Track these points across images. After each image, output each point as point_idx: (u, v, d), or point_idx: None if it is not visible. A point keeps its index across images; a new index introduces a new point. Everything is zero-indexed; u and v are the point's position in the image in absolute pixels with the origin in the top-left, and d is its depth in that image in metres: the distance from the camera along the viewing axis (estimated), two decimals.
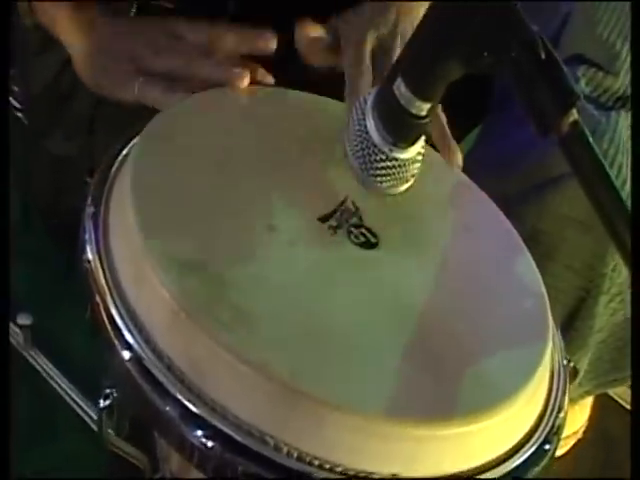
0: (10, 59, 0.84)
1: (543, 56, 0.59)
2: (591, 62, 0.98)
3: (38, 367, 1.17)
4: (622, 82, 1.00)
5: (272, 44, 0.82)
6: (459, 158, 0.79)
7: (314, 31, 0.83)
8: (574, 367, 0.78)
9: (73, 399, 1.15)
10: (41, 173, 1.03)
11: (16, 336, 1.16)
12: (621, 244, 0.59)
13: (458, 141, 0.80)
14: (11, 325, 1.13)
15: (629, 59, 0.98)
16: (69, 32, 0.84)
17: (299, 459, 0.61)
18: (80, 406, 1.14)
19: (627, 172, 0.93)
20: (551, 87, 0.59)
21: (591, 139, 0.60)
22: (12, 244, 0.74)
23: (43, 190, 1.04)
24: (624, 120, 0.97)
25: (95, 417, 1.09)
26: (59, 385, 1.16)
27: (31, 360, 1.17)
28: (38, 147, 0.99)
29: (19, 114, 1.00)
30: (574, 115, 0.59)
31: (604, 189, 0.60)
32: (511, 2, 0.59)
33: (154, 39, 0.83)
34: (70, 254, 0.71)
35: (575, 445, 1.19)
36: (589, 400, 1.19)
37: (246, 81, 0.79)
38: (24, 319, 1.15)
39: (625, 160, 0.94)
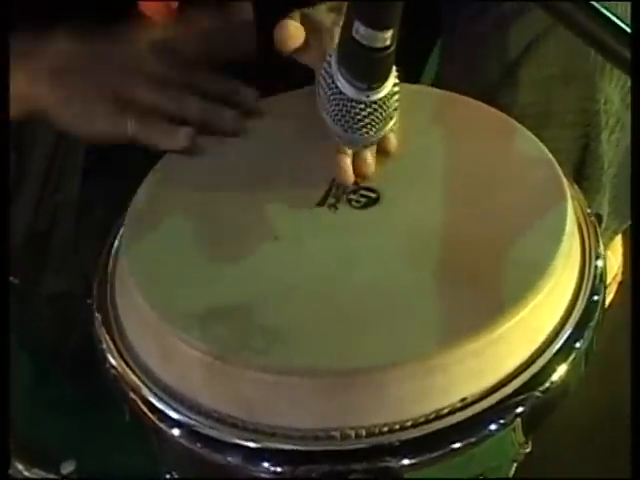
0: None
1: None
2: None
3: None
4: None
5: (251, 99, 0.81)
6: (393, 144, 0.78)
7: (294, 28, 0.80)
8: (597, 214, 0.79)
9: None
10: (41, 321, 1.00)
11: None
12: (618, 58, 0.57)
13: (421, 62, 0.80)
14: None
15: None
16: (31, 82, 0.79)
17: (369, 435, 0.62)
18: None
19: None
20: None
21: None
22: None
23: (49, 335, 1.01)
24: None
25: None
26: None
27: None
28: (32, 297, 0.97)
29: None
30: None
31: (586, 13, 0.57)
32: None
33: (134, 64, 0.81)
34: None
35: (619, 290, 1.18)
36: (618, 241, 1.19)
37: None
38: (67, 467, 1.09)
39: None
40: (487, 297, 0.65)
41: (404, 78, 0.70)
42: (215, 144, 0.79)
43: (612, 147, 0.97)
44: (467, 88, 0.90)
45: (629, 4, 0.95)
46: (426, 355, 0.62)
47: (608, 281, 1.15)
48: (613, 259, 1.19)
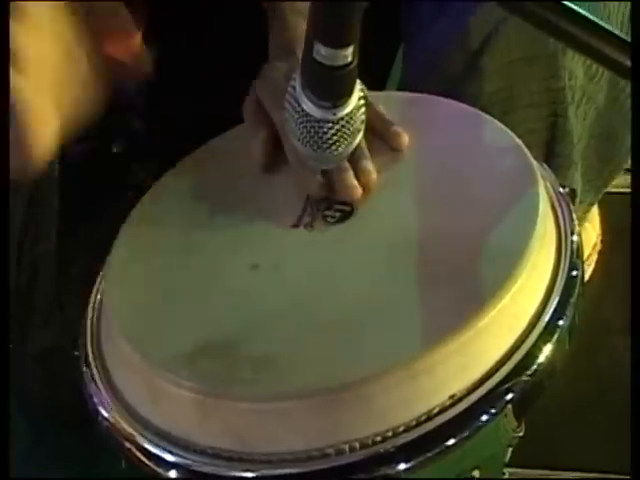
0: None
1: None
2: None
3: None
4: None
5: None
6: (405, 139, 0.79)
7: None
8: (571, 189, 0.80)
9: None
10: (33, 380, 1.00)
11: None
12: (584, 45, 0.58)
13: (385, 68, 0.81)
14: None
15: None
16: None
17: (363, 447, 0.63)
18: None
19: None
20: None
21: None
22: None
23: (41, 393, 1.01)
24: None
25: None
26: None
27: None
28: (21, 358, 0.97)
29: None
30: None
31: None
32: None
33: None
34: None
35: (599, 259, 1.21)
36: (595, 211, 1.21)
37: None
38: None
39: None
40: (466, 293, 0.66)
41: (370, 86, 0.71)
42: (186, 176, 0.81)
43: (580, 121, 0.98)
44: (433, 85, 0.91)
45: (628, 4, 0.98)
46: (410, 360, 0.63)
47: (588, 251, 1.18)
48: (591, 229, 1.20)
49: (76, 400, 0.73)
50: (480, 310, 0.65)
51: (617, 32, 1.01)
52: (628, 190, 1.29)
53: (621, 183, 1.26)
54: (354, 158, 0.76)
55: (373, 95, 0.71)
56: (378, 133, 0.80)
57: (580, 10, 0.57)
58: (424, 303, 0.66)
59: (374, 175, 0.77)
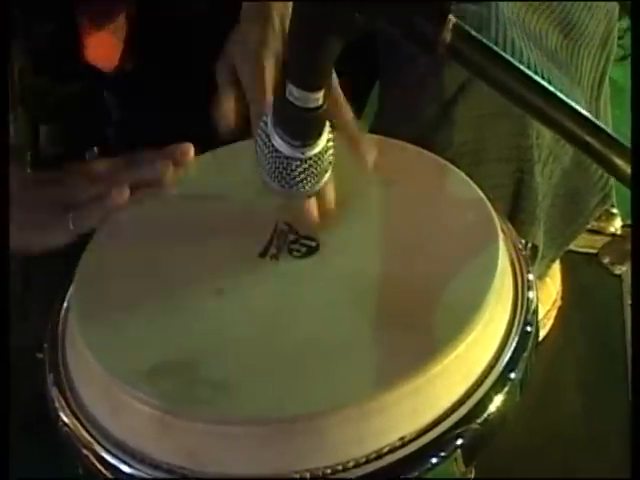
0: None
1: None
2: None
3: None
4: None
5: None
6: (373, 153, 0.81)
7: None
8: (533, 245, 0.83)
9: None
10: None
11: None
12: (544, 116, 0.61)
13: (361, 102, 0.83)
14: None
15: None
16: None
17: (313, 478, 0.65)
18: None
19: (520, 42, 0.96)
20: (422, 10, 0.60)
21: (476, 33, 0.61)
22: None
23: None
24: None
25: None
26: None
27: None
28: None
29: None
30: (452, 20, 0.60)
31: (508, 75, 0.62)
32: None
33: (74, 180, 0.83)
34: None
35: (558, 314, 1.22)
36: (557, 267, 1.24)
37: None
38: None
39: (516, 32, 0.97)
40: (422, 339, 0.68)
41: None
42: (156, 199, 0.82)
43: (546, 179, 1.01)
44: (406, 128, 0.93)
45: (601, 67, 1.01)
46: (363, 399, 0.65)
47: (547, 307, 1.20)
48: (552, 285, 1.22)
49: (32, 400, 0.74)
50: (434, 357, 0.66)
51: (583, 103, 1.05)
52: (591, 250, 1.33)
53: (584, 243, 1.30)
54: None
55: None
56: (346, 136, 0.80)
57: (540, 81, 0.60)
58: (380, 345, 0.68)
59: (332, 205, 0.78)
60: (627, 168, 0.59)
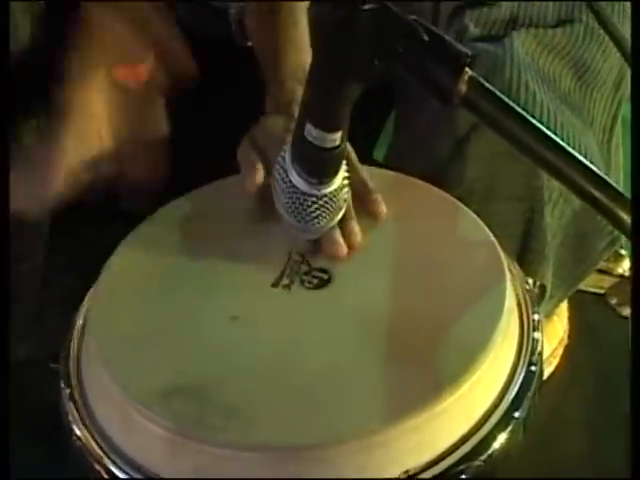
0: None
1: (426, 38, 0.63)
2: (472, 2, 1.03)
3: None
4: (504, 6, 1.05)
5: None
6: (383, 208, 0.83)
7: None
8: (541, 285, 0.84)
9: None
10: None
11: None
12: (553, 169, 0.63)
13: (375, 132, 0.84)
14: None
15: None
16: None
17: None
18: None
19: (534, 85, 0.98)
20: (440, 61, 0.63)
21: (490, 86, 0.63)
22: None
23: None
24: (517, 39, 1.02)
25: None
26: None
27: None
28: None
29: None
30: (468, 73, 0.62)
31: (520, 128, 0.63)
32: (380, 5, 0.62)
33: None
34: None
35: (565, 352, 1.23)
36: (564, 306, 1.25)
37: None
38: None
39: (530, 74, 0.99)
40: (428, 375, 0.69)
41: (359, 146, 0.74)
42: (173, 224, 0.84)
43: (556, 220, 1.02)
44: (419, 162, 0.95)
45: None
46: (367, 432, 0.67)
47: (554, 345, 1.21)
48: (559, 324, 1.23)
49: (43, 410, 0.76)
50: (439, 395, 0.68)
51: (595, 145, 1.06)
52: (599, 290, 1.34)
53: (592, 283, 1.31)
54: (342, 218, 0.79)
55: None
56: (359, 197, 0.82)
57: (550, 134, 0.62)
58: (386, 380, 0.70)
59: (359, 237, 0.80)
60: None
